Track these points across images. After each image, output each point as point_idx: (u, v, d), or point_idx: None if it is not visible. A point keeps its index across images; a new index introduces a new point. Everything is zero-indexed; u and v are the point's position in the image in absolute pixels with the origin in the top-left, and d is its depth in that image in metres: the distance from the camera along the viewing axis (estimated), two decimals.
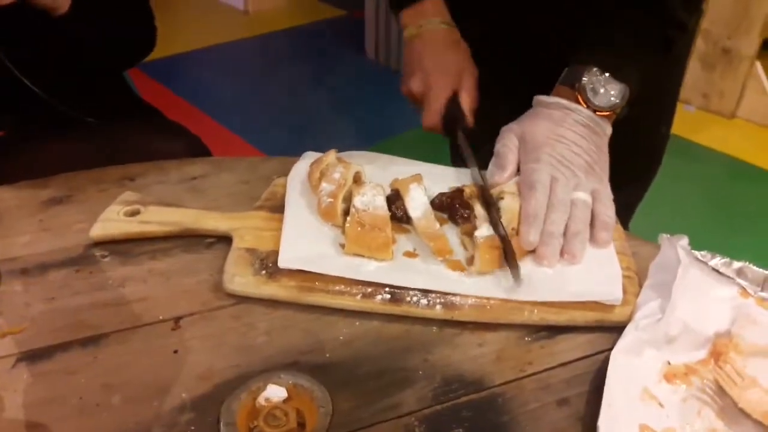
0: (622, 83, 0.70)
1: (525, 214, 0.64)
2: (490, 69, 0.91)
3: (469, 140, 0.76)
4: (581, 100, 0.70)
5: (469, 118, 0.78)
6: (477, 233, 0.63)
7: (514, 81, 0.83)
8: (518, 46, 0.90)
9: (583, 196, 0.65)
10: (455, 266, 0.64)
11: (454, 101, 0.77)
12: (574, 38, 0.74)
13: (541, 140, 0.68)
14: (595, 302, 0.60)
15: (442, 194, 0.70)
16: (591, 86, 0.70)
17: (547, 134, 0.68)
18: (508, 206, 0.64)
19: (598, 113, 0.70)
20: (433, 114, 0.77)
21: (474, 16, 0.90)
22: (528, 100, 0.74)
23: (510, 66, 0.90)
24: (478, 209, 0.66)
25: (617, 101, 0.70)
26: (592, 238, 0.65)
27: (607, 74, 0.70)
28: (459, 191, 0.69)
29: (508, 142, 0.70)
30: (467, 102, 0.78)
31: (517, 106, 0.74)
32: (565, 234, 0.64)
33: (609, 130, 0.71)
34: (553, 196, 0.65)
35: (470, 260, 0.64)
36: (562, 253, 0.64)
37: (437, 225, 0.65)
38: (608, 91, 0.70)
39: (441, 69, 0.78)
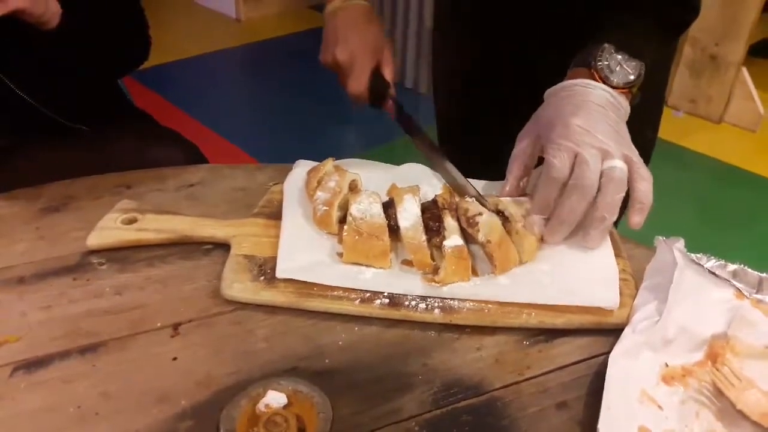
0: (637, 60, 0.70)
1: (534, 203, 0.65)
2: (490, 99, 0.92)
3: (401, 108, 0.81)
4: (598, 78, 0.69)
5: (392, 89, 0.82)
6: (445, 243, 0.63)
7: (512, 110, 0.84)
8: (516, 72, 0.90)
9: (618, 164, 0.62)
10: None
11: (378, 73, 0.81)
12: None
13: (559, 118, 0.66)
14: (593, 307, 0.61)
15: (422, 204, 0.69)
16: (607, 64, 0.69)
17: (565, 112, 0.66)
18: (486, 221, 0.64)
19: (616, 90, 0.69)
20: (360, 82, 0.80)
21: (476, 40, 0.91)
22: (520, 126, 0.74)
23: (508, 94, 0.91)
24: (448, 221, 0.66)
25: (634, 78, 0.70)
26: (628, 222, 0.65)
27: (621, 52, 0.69)
28: (433, 202, 0.69)
29: (516, 150, 0.70)
30: (389, 74, 0.82)
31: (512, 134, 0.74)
32: (589, 216, 0.63)
33: (627, 107, 0.70)
34: (574, 177, 0.62)
35: (436, 270, 0.63)
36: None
37: (423, 237, 0.64)
38: (624, 68, 0.69)
39: (365, 41, 0.81)
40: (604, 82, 0.69)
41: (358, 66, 0.80)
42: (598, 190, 0.63)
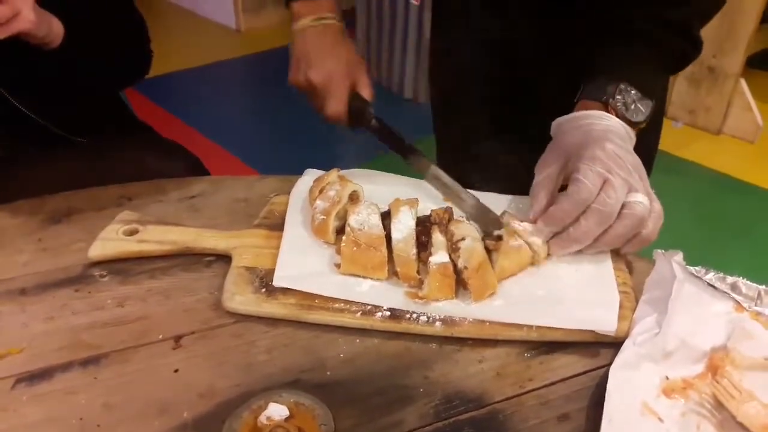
0: (649, 99, 0.71)
1: (549, 215, 0.64)
2: (490, 115, 0.92)
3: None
4: (614, 114, 0.69)
5: (371, 108, 0.80)
6: (431, 259, 0.63)
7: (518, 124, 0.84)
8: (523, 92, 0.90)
9: (643, 200, 0.62)
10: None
11: (356, 94, 0.80)
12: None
13: (591, 141, 0.65)
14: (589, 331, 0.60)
15: (418, 218, 0.69)
16: (623, 101, 0.70)
17: (594, 136, 0.66)
18: (467, 247, 0.63)
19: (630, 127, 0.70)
20: (339, 103, 0.78)
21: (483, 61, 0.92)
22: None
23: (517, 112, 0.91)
24: (437, 236, 0.65)
25: (646, 117, 0.71)
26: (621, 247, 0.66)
27: (636, 91, 0.70)
28: (426, 218, 0.69)
29: (542, 177, 0.68)
30: (367, 93, 0.81)
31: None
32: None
33: (634, 141, 0.71)
34: (600, 200, 0.62)
35: (422, 285, 0.63)
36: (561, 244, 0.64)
37: (413, 251, 0.64)
38: (638, 107, 0.70)
39: (341, 62, 0.80)
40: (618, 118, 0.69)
41: (335, 87, 0.78)
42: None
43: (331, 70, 0.79)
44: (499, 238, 0.66)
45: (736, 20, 2.56)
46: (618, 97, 0.70)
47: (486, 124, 0.96)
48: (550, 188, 0.68)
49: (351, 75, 0.80)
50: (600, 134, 0.66)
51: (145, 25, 1.06)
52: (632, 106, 0.70)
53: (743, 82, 2.69)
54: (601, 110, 0.70)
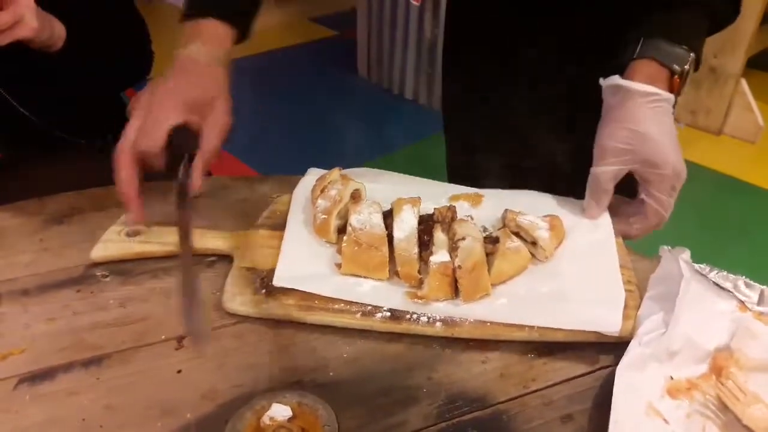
0: (696, 68, 0.69)
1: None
2: (505, 114, 0.92)
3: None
4: (675, 88, 0.67)
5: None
6: (432, 258, 0.62)
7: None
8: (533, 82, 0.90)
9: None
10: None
11: (182, 130, 0.65)
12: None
13: (666, 156, 0.66)
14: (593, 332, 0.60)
15: (421, 217, 0.69)
16: (688, 77, 0.68)
17: (666, 142, 0.66)
18: (467, 246, 0.63)
19: None
20: (153, 139, 0.64)
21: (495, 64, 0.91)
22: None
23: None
24: (438, 235, 0.65)
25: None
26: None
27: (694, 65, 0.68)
28: (429, 216, 0.69)
29: (606, 181, 0.69)
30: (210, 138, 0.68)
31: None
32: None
33: None
34: (662, 224, 0.70)
35: (420, 284, 0.63)
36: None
37: (415, 250, 0.64)
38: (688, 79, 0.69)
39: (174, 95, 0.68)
40: (676, 91, 0.68)
41: (150, 121, 0.65)
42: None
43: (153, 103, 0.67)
44: (496, 240, 0.66)
45: (736, 21, 2.56)
46: (686, 67, 0.67)
47: (498, 122, 0.95)
48: (611, 189, 0.70)
49: (183, 114, 0.67)
50: (671, 135, 0.66)
51: (145, 25, 1.06)
52: (688, 80, 0.68)
53: (744, 83, 2.69)
54: (666, 81, 0.67)
